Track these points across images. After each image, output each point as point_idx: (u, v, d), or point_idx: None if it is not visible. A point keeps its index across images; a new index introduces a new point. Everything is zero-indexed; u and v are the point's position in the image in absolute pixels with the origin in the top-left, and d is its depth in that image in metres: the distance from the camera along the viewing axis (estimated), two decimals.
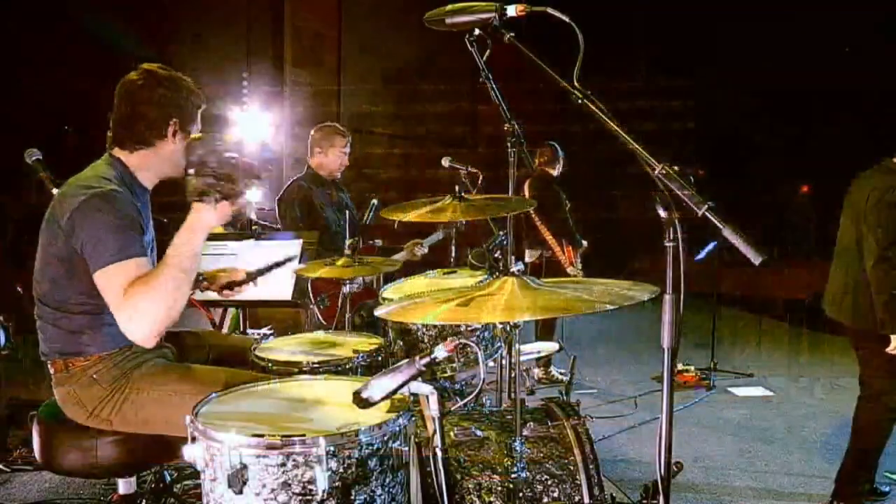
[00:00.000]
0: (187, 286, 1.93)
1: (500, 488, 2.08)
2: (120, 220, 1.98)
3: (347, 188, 4.43)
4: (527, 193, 5.48)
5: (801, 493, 3.57)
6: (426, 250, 4.36)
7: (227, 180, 1.90)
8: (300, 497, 1.54)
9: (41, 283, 2.13)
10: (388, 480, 1.64)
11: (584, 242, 5.54)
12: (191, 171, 1.91)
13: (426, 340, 2.39)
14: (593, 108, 1.48)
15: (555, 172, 5.61)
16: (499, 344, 2.50)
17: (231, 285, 2.62)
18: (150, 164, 2.20)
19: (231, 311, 4.43)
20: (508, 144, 2.18)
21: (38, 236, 2.14)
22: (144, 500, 2.68)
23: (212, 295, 3.12)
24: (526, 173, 5.34)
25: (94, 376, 2.09)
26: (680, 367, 5.57)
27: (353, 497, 1.57)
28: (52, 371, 2.15)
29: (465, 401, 2.47)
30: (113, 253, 1.92)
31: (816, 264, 9.70)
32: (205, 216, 1.93)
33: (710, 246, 5.71)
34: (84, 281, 2.02)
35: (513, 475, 2.04)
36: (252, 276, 2.64)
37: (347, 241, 3.14)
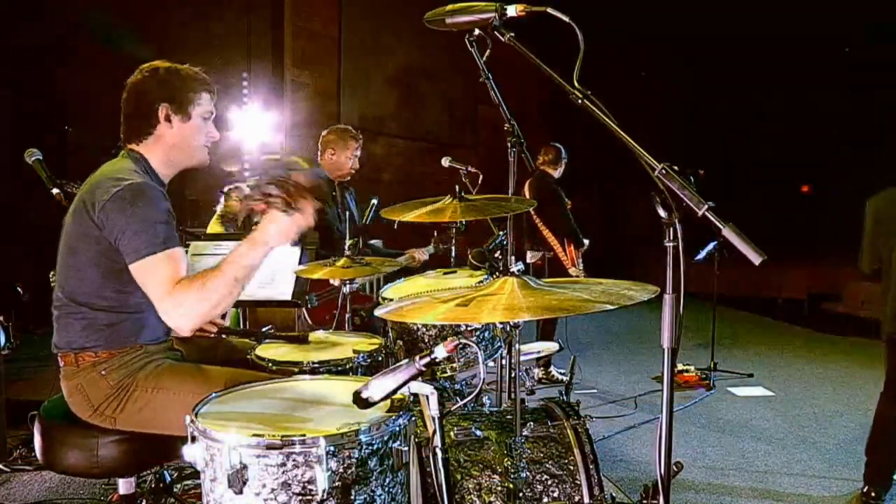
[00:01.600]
0: (237, 294, 1.98)
1: (500, 488, 2.08)
2: (156, 211, 2.01)
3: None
4: (527, 194, 5.48)
5: (801, 493, 3.57)
6: (427, 257, 4.38)
7: (284, 199, 1.95)
8: (300, 497, 1.54)
9: (67, 276, 2.14)
10: (388, 480, 1.64)
11: (587, 242, 5.54)
12: (253, 184, 1.99)
13: (426, 340, 2.39)
14: (593, 108, 1.48)
15: (556, 173, 5.62)
16: (499, 344, 2.50)
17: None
18: (159, 154, 2.23)
19: (231, 311, 4.43)
20: (508, 144, 2.18)
21: (61, 231, 2.17)
22: (144, 500, 2.68)
23: None
24: (528, 173, 5.34)
25: (103, 372, 2.11)
26: (680, 367, 5.57)
27: (353, 497, 1.57)
28: (62, 364, 2.17)
29: (465, 401, 2.47)
30: (152, 244, 1.96)
31: (816, 264, 9.74)
32: (270, 232, 1.98)
33: (710, 246, 5.71)
34: (111, 276, 2.05)
35: (513, 475, 2.04)
36: (223, 331, 2.65)
37: (347, 242, 3.14)
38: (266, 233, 1.98)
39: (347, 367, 2.43)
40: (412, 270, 3.84)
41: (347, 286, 3.06)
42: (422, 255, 4.37)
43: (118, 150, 2.25)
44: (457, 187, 2.44)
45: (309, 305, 3.73)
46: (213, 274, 1.94)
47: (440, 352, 1.48)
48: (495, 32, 1.69)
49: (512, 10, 1.66)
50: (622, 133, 1.42)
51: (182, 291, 1.92)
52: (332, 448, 1.54)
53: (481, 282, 2.31)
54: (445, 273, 3.14)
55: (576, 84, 1.50)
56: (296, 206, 1.96)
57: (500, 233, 3.04)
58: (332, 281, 3.62)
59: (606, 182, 11.04)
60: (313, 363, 2.39)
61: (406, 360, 1.51)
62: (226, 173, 6.83)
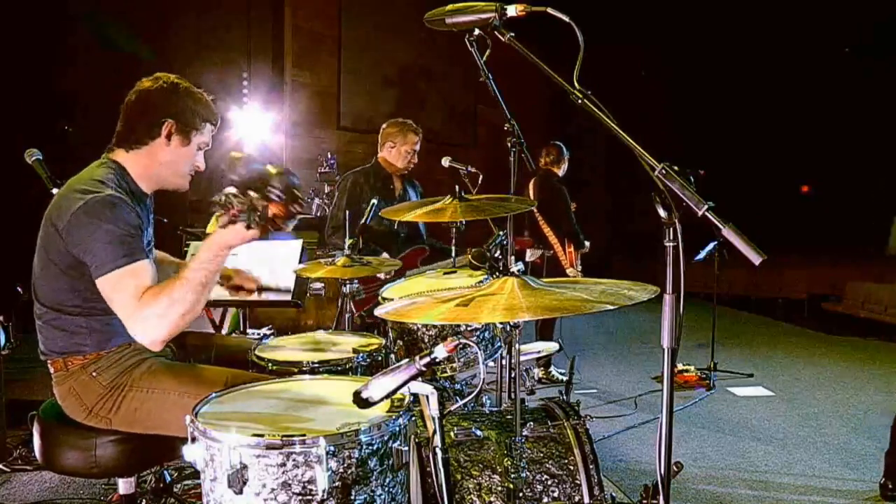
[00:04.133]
0: (204, 300, 1.96)
1: (500, 488, 2.08)
2: (119, 225, 1.97)
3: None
4: (531, 193, 5.48)
5: (801, 493, 3.57)
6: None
7: (261, 209, 1.89)
8: (300, 497, 1.54)
9: (40, 283, 2.14)
10: (388, 480, 1.64)
11: (587, 243, 5.54)
12: (231, 189, 1.90)
13: (426, 340, 2.39)
14: (593, 108, 1.48)
15: (560, 172, 5.62)
16: (499, 344, 2.50)
17: (240, 287, 2.65)
18: (145, 167, 2.20)
19: (231, 311, 4.44)
20: (508, 144, 2.18)
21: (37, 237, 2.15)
22: (144, 500, 2.69)
23: (213, 295, 3.12)
24: (528, 173, 5.34)
25: (94, 374, 2.10)
26: (680, 367, 5.57)
27: (353, 497, 1.57)
28: (52, 370, 2.17)
29: (465, 401, 2.47)
30: (116, 258, 1.93)
31: (816, 264, 9.73)
32: (231, 237, 1.95)
33: (710, 246, 5.71)
34: (82, 284, 2.03)
35: (513, 475, 2.04)
36: (261, 289, 2.69)
37: (347, 241, 3.14)
38: (226, 235, 1.95)
39: (347, 367, 2.42)
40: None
41: (347, 286, 3.06)
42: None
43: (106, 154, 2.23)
44: (457, 187, 2.44)
45: (358, 297, 3.77)
46: (178, 283, 1.92)
47: (440, 352, 1.48)
48: (495, 32, 1.69)
49: (512, 10, 1.66)
50: (622, 133, 1.42)
51: (147, 305, 1.89)
52: (332, 448, 1.54)
53: (481, 282, 2.31)
54: (445, 273, 3.14)
55: (576, 84, 1.50)
56: (263, 217, 1.89)
57: (500, 233, 3.03)
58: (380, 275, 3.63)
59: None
60: (313, 363, 2.39)
61: (406, 360, 1.51)
62: (226, 172, 6.81)
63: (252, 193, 1.87)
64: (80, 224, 1.96)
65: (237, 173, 1.90)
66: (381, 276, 3.57)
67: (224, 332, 4.40)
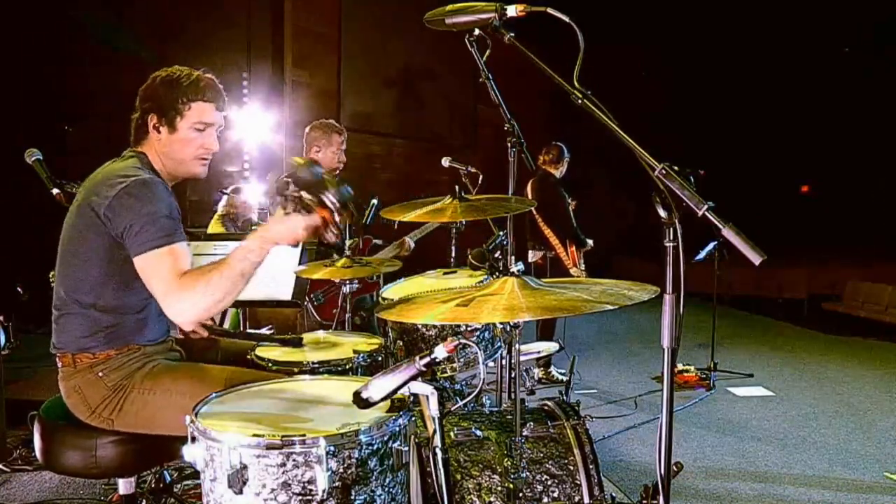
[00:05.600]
0: (240, 289, 1.97)
1: (500, 488, 2.08)
2: (161, 205, 2.02)
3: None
4: (529, 193, 5.48)
5: (802, 493, 3.57)
6: (413, 245, 4.35)
7: (306, 207, 1.92)
8: (300, 497, 1.54)
9: (67, 275, 2.14)
10: (388, 480, 1.64)
11: (590, 242, 5.53)
12: (291, 189, 1.93)
13: (426, 340, 2.39)
14: (593, 108, 1.48)
15: (558, 173, 5.60)
16: (499, 344, 2.50)
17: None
18: (157, 159, 2.24)
19: (231, 311, 4.43)
20: (508, 144, 2.18)
21: (61, 231, 2.17)
22: (144, 500, 2.68)
23: None
24: (527, 173, 5.34)
25: (100, 374, 2.11)
26: (680, 367, 5.56)
27: (353, 497, 1.57)
28: (59, 364, 2.17)
29: (465, 401, 2.47)
30: (157, 237, 1.97)
31: (816, 264, 9.73)
32: (282, 232, 1.96)
33: (710, 246, 5.71)
34: (115, 273, 2.06)
35: (513, 475, 2.05)
36: (214, 332, 2.59)
37: (347, 242, 3.13)
38: (276, 230, 1.97)
39: (347, 367, 2.43)
40: (413, 271, 3.83)
41: (347, 286, 3.06)
42: (409, 243, 4.32)
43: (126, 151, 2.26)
44: (457, 187, 2.44)
45: (316, 303, 3.73)
46: (220, 268, 1.94)
47: (440, 352, 1.48)
48: (495, 32, 1.69)
49: (512, 11, 1.66)
50: (622, 133, 1.43)
51: (187, 285, 1.92)
52: (332, 448, 1.54)
53: (481, 282, 2.31)
54: (445, 273, 3.14)
55: (576, 84, 1.50)
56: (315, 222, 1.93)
57: (501, 233, 3.03)
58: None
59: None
60: (313, 363, 2.39)
61: (406, 360, 1.51)
62: (226, 173, 6.84)
63: (306, 195, 1.91)
64: (123, 205, 2.00)
65: (298, 176, 1.92)
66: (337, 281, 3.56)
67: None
